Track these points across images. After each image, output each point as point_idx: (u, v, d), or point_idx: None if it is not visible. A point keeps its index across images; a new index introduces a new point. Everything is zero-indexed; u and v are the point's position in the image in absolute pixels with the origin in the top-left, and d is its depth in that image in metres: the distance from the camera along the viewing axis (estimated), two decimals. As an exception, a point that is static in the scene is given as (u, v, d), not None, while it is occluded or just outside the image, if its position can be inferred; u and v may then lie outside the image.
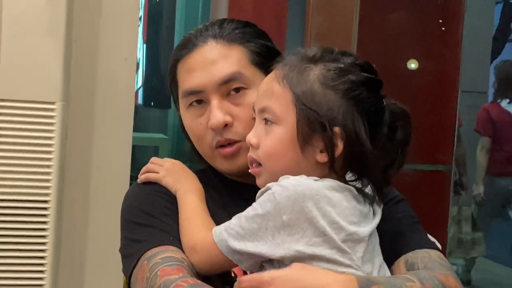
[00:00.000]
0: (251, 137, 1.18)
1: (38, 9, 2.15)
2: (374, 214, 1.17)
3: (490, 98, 5.49)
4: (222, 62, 1.28)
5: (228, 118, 1.27)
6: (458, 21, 4.24)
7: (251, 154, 1.18)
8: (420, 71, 4.15)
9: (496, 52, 8.02)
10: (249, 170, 1.20)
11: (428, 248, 1.26)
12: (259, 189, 1.14)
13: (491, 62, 6.47)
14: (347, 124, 1.10)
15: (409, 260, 1.23)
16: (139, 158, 4.54)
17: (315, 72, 1.13)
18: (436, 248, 1.28)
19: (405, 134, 1.16)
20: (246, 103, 1.27)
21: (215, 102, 1.27)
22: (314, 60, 1.15)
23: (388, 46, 4.00)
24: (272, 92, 1.15)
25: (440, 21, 4.30)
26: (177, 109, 1.38)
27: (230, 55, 1.29)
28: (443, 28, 4.29)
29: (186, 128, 1.35)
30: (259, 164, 1.17)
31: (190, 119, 1.32)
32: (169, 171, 1.32)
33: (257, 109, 1.18)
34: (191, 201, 1.25)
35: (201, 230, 1.19)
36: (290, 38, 4.71)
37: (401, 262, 1.24)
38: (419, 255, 1.24)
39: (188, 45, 1.32)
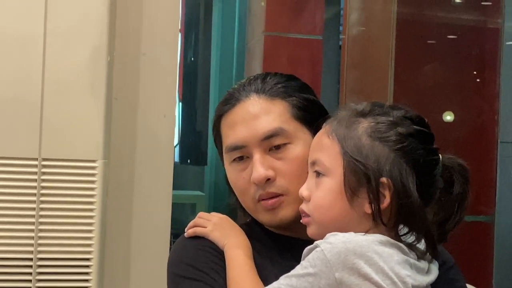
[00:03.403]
0: (303, 190, 1.19)
1: (79, 69, 2.19)
2: (429, 270, 1.15)
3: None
4: (264, 117, 1.28)
5: (270, 173, 1.26)
6: (495, 71, 4.22)
7: (302, 206, 1.19)
8: (457, 123, 4.12)
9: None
10: (301, 220, 1.20)
11: None
12: (305, 242, 1.13)
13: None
14: (394, 175, 1.10)
15: None
16: (176, 215, 4.53)
17: (364, 125, 1.14)
18: None
19: (462, 188, 1.16)
20: (288, 157, 1.27)
21: (257, 157, 1.27)
22: (363, 114, 1.16)
23: (424, 99, 3.99)
24: (321, 146, 1.17)
25: (475, 72, 4.29)
26: (223, 163, 1.38)
27: (272, 110, 1.29)
28: (478, 80, 4.28)
29: (230, 182, 1.35)
30: (309, 215, 1.17)
31: (234, 173, 1.32)
32: (216, 226, 1.31)
33: (309, 162, 1.20)
34: (239, 258, 1.24)
35: None
36: (325, 93, 4.72)
37: None
38: None
39: (231, 100, 1.32)
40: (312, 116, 1.28)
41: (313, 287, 1.06)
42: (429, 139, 1.16)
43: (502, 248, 4.42)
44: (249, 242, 1.29)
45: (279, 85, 1.32)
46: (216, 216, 1.34)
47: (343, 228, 1.11)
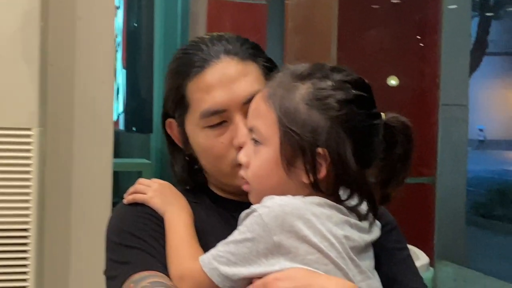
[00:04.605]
0: (242, 156, 1.16)
1: (10, 34, 2.12)
2: (371, 229, 1.15)
3: (470, 111, 5.52)
4: (243, 79, 1.24)
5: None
6: (436, 36, 4.26)
7: (241, 172, 1.17)
8: (401, 87, 4.16)
9: (474, 65, 8.13)
10: (242, 187, 1.18)
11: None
12: (250, 205, 1.12)
13: (470, 75, 6.53)
14: (330, 145, 1.08)
15: None
16: (122, 184, 4.50)
17: (301, 91, 1.10)
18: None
19: (404, 148, 1.14)
20: None
21: (240, 119, 1.23)
22: (302, 78, 1.12)
23: (367, 64, 4.01)
24: (258, 112, 1.14)
25: (418, 37, 4.32)
26: (164, 127, 1.34)
27: (248, 72, 1.24)
28: (421, 44, 4.32)
29: (201, 148, 1.29)
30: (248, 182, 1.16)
31: (209, 139, 1.26)
32: (156, 192, 1.28)
33: (247, 127, 1.17)
34: (179, 225, 1.22)
35: (189, 259, 1.16)
36: (270, 58, 4.68)
37: None
38: None
39: (197, 62, 1.25)
40: None
41: (252, 252, 1.05)
42: (369, 103, 1.12)
43: (442, 209, 4.52)
44: (190, 208, 1.27)
45: (243, 47, 1.27)
46: (156, 183, 1.31)
47: (282, 195, 1.09)
